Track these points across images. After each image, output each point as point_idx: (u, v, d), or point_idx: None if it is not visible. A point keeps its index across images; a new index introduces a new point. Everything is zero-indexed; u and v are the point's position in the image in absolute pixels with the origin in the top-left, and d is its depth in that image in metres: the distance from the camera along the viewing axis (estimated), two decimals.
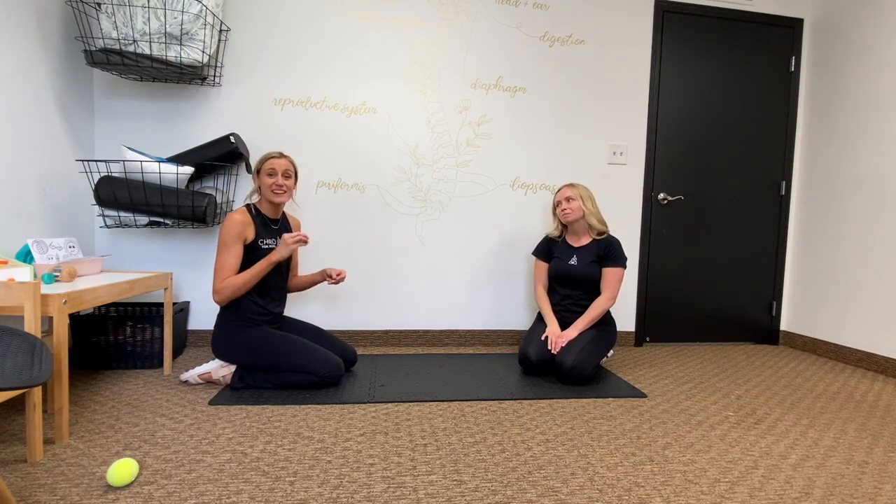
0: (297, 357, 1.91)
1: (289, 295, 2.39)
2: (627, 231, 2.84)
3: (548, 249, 2.43)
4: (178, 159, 2.26)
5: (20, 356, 0.94)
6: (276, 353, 1.90)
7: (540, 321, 2.39)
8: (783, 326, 3.05)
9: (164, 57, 2.11)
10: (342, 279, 2.14)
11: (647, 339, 2.92)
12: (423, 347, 2.68)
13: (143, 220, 2.25)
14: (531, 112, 2.72)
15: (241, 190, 2.51)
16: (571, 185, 2.33)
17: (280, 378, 1.92)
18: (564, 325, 2.29)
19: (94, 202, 2.22)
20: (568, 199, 2.30)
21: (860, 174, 2.58)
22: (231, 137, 2.30)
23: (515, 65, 2.69)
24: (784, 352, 2.86)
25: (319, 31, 2.52)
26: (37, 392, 1.31)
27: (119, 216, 2.23)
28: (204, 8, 2.11)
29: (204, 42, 2.15)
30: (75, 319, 2.12)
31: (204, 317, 2.54)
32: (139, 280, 1.89)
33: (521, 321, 2.79)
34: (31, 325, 1.31)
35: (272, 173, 1.95)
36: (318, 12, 2.52)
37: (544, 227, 2.73)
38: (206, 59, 2.19)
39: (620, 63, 2.78)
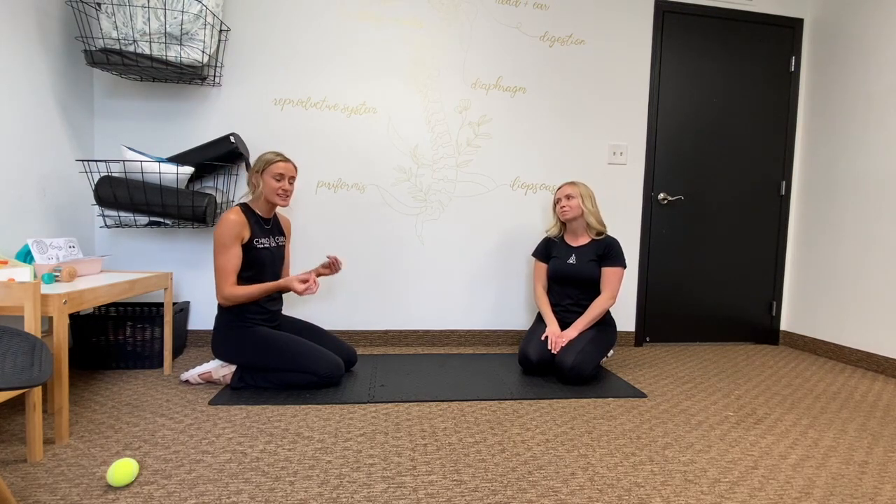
0: (297, 357, 1.91)
1: (287, 295, 2.39)
2: (627, 231, 2.84)
3: (546, 250, 2.44)
4: (178, 159, 2.26)
5: (20, 356, 0.94)
6: (276, 353, 1.90)
7: (540, 321, 2.39)
8: (783, 326, 3.05)
9: (164, 57, 2.11)
10: (336, 263, 2.08)
11: (647, 339, 2.92)
12: (423, 347, 2.68)
13: (143, 220, 2.25)
14: (531, 112, 2.72)
15: (241, 190, 2.50)
16: (572, 184, 2.33)
17: (280, 378, 1.92)
18: (564, 325, 2.29)
19: (94, 202, 2.22)
20: (568, 197, 2.30)
21: (860, 174, 2.58)
22: (231, 137, 2.30)
23: (515, 65, 2.69)
24: (784, 352, 2.86)
25: (319, 31, 2.52)
26: (37, 392, 1.31)
27: (119, 216, 2.23)
28: (204, 8, 2.12)
29: (204, 42, 2.15)
30: (75, 319, 2.12)
31: (204, 317, 2.54)
32: (139, 280, 1.89)
33: (521, 321, 2.79)
34: (31, 325, 1.31)
35: (280, 178, 1.95)
36: (318, 12, 2.52)
37: (544, 226, 2.73)
38: (206, 59, 2.19)
39: (620, 63, 2.77)
